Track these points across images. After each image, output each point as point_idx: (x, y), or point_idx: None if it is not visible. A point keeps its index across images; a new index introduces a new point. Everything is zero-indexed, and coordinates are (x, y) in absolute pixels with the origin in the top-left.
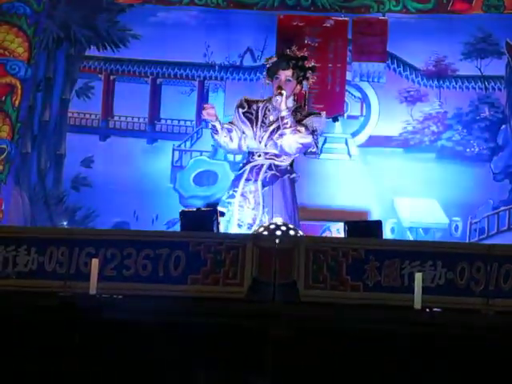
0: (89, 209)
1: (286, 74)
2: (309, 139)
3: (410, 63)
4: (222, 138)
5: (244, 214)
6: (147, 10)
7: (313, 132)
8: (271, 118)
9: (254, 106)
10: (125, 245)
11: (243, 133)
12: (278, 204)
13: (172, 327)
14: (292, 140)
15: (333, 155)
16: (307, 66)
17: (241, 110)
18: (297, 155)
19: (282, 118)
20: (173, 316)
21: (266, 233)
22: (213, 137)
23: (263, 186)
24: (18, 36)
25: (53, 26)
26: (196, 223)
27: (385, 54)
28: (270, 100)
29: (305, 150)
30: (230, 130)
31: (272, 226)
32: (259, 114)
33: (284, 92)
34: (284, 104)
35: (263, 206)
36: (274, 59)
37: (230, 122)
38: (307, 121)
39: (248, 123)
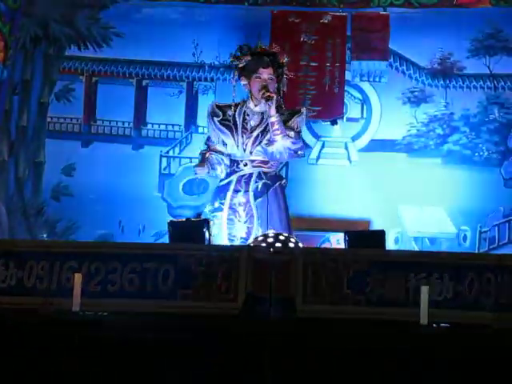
0: (70, 220)
1: (268, 73)
2: (300, 144)
3: (413, 61)
4: (219, 171)
5: (235, 227)
6: (131, 6)
7: (298, 133)
8: (252, 122)
9: (230, 112)
10: (109, 258)
11: (223, 143)
12: (274, 215)
13: (161, 346)
14: (283, 146)
15: (332, 161)
16: (282, 61)
17: (216, 119)
18: (287, 161)
19: (273, 123)
20: (162, 334)
21: (263, 244)
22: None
23: (255, 196)
24: None
25: (30, 24)
26: (186, 234)
27: (386, 51)
28: (244, 103)
29: (296, 156)
30: (219, 163)
31: (270, 238)
32: (237, 119)
33: (274, 95)
34: (274, 109)
35: (257, 217)
36: (247, 57)
37: (206, 142)
38: (292, 123)
39: (227, 131)
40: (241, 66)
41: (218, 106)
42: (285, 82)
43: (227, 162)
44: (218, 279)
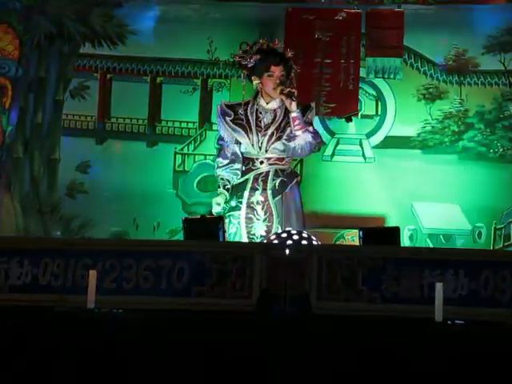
0: (85, 217)
1: (279, 70)
2: (319, 138)
3: (428, 58)
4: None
5: (254, 226)
6: (146, 3)
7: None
8: (265, 120)
9: (240, 111)
10: (124, 255)
11: (236, 142)
12: (292, 212)
13: (175, 342)
14: (305, 141)
15: (346, 157)
16: (289, 57)
17: (228, 119)
18: (307, 155)
19: (294, 118)
20: (176, 331)
21: (276, 241)
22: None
23: (273, 194)
24: (8, 33)
25: (45, 22)
26: (200, 231)
27: (401, 48)
28: (254, 101)
29: (316, 150)
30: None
31: (284, 235)
32: (250, 118)
33: (295, 91)
34: (295, 104)
35: (276, 215)
36: (256, 56)
37: (220, 139)
38: (307, 118)
39: (241, 130)
40: (250, 65)
41: (228, 106)
42: (293, 77)
43: (238, 166)
44: (232, 276)
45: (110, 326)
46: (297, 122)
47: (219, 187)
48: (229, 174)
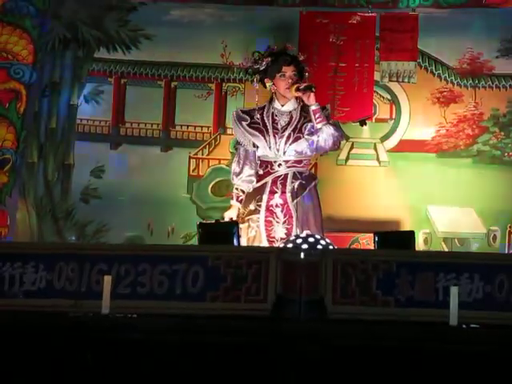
0: (100, 222)
1: (291, 70)
2: (340, 130)
3: (442, 61)
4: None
5: (274, 229)
6: (160, 8)
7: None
8: (282, 122)
9: (257, 115)
10: (139, 260)
11: (254, 146)
12: (310, 216)
13: (190, 348)
14: (327, 133)
15: (361, 161)
16: (301, 59)
17: (244, 123)
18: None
19: (315, 111)
20: (191, 336)
21: (291, 245)
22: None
23: (292, 197)
24: (22, 38)
25: (59, 27)
26: (215, 236)
27: (415, 51)
28: (269, 105)
29: (338, 143)
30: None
31: (299, 240)
32: (266, 121)
33: (313, 86)
34: (314, 97)
35: (295, 218)
36: (267, 59)
37: (237, 143)
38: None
39: (257, 133)
40: (262, 68)
41: (243, 111)
42: (307, 78)
43: (251, 172)
44: (247, 281)
45: (125, 332)
46: (318, 115)
47: (232, 198)
48: (243, 183)
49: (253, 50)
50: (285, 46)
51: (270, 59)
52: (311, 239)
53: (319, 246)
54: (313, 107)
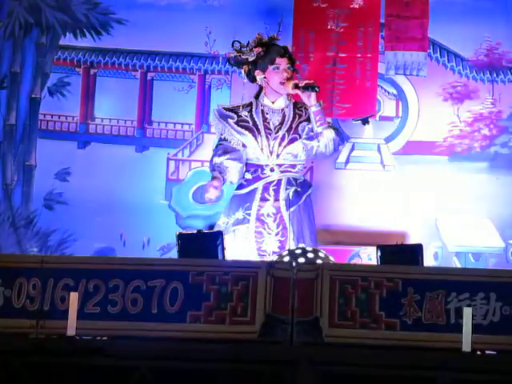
0: (65, 232)
1: (285, 62)
2: (341, 134)
3: (456, 52)
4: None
5: (265, 241)
6: None
7: None
8: (275, 121)
9: (244, 112)
10: (110, 275)
11: (243, 146)
12: (305, 227)
13: (167, 375)
14: (328, 138)
15: (363, 165)
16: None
17: (231, 121)
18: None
19: (315, 113)
20: (168, 362)
21: (286, 259)
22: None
23: (287, 206)
24: None
25: (20, 9)
26: (196, 248)
27: (425, 40)
28: (256, 102)
29: (338, 148)
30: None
31: (298, 251)
32: (256, 119)
33: (313, 81)
34: (315, 97)
35: (291, 229)
36: (257, 49)
37: (220, 142)
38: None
39: (248, 133)
40: (251, 59)
41: (226, 109)
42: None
43: (240, 155)
44: (233, 300)
45: (93, 356)
46: (318, 118)
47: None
48: (229, 160)
49: (237, 39)
50: (272, 36)
51: (260, 49)
52: (310, 255)
53: (319, 261)
54: (313, 109)
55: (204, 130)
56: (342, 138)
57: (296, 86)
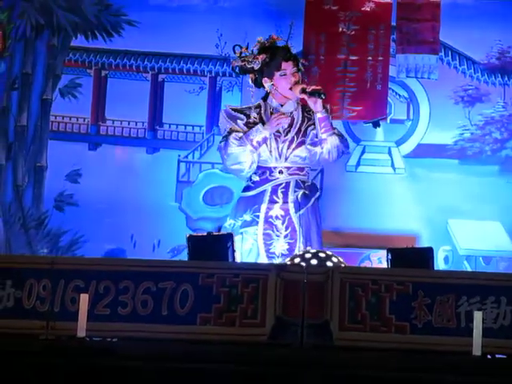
0: (76, 233)
1: (291, 65)
2: (346, 141)
3: (467, 55)
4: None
5: (274, 243)
6: None
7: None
8: (284, 124)
9: (254, 114)
10: (120, 277)
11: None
12: (313, 230)
13: (177, 377)
14: (332, 145)
15: (373, 168)
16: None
17: (240, 122)
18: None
19: (321, 119)
20: (178, 363)
21: (297, 261)
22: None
23: (295, 208)
24: None
25: (31, 11)
26: (207, 251)
27: (437, 43)
28: (265, 105)
29: (343, 155)
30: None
31: (308, 255)
32: (265, 122)
33: (321, 87)
34: (321, 103)
35: (299, 231)
36: (262, 56)
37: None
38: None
39: None
40: (256, 67)
41: (235, 109)
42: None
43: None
44: (243, 302)
45: (103, 358)
46: (323, 124)
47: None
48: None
49: (253, 41)
50: (272, 37)
51: (265, 56)
52: (322, 254)
53: (329, 263)
54: (319, 115)
55: (215, 132)
56: (346, 145)
57: (303, 91)
